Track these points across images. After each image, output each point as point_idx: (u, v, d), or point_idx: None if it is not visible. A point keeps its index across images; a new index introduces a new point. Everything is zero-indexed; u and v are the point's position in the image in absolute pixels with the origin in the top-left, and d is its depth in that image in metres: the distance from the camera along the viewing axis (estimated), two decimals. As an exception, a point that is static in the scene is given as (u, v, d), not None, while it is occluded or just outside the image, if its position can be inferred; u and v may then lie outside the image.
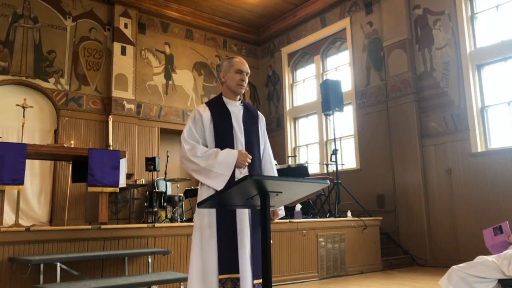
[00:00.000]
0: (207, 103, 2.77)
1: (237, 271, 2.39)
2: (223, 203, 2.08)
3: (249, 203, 2.06)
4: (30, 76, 7.61)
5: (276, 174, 2.81)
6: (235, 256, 2.41)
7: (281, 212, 2.74)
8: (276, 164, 7.22)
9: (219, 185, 2.49)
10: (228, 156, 2.53)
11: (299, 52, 9.98)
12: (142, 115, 8.71)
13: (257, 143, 2.73)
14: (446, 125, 6.97)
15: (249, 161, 2.56)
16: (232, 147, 2.60)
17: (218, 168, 2.50)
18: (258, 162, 2.71)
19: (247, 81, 2.79)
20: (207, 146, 2.63)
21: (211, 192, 2.50)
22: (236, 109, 2.73)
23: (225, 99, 2.76)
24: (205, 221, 2.49)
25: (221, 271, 2.40)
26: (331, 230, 6.02)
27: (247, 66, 2.79)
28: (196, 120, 2.67)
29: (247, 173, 2.57)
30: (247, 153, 2.58)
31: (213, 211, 2.48)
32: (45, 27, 7.90)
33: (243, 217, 2.48)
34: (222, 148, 2.59)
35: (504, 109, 6.51)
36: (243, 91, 2.78)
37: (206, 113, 2.67)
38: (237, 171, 2.55)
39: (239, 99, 2.81)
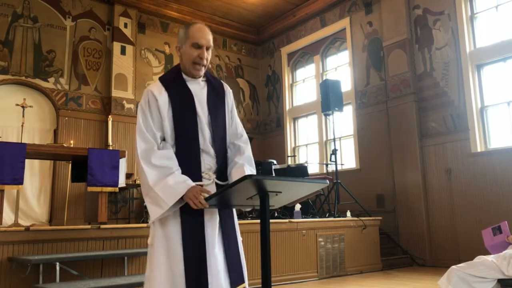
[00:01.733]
0: (162, 81, 2.17)
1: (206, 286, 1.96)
2: (223, 203, 2.08)
3: (248, 203, 2.06)
4: (30, 76, 7.61)
5: (249, 166, 2.19)
6: (203, 267, 1.99)
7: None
8: (275, 164, 7.30)
9: (153, 214, 2.00)
10: (176, 188, 1.97)
11: (298, 52, 9.98)
12: (141, 115, 8.69)
13: (224, 128, 2.21)
14: (446, 125, 6.97)
15: (203, 203, 1.94)
16: (196, 141, 2.09)
17: (160, 192, 1.97)
18: (226, 151, 2.23)
19: (209, 58, 2.16)
20: (164, 139, 2.11)
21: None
22: (198, 88, 2.17)
23: (184, 76, 2.17)
24: (172, 229, 2.03)
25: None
26: (330, 230, 6.02)
27: (208, 37, 2.12)
28: (151, 106, 2.09)
29: (215, 168, 2.14)
30: (204, 189, 1.99)
31: (177, 216, 2.03)
32: (45, 26, 7.90)
33: (213, 218, 2.08)
34: (184, 145, 2.09)
35: (503, 109, 6.51)
36: (201, 73, 2.16)
37: (162, 97, 2.10)
38: (203, 165, 2.10)
39: (201, 76, 2.22)
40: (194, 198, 1.94)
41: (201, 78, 2.23)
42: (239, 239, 2.23)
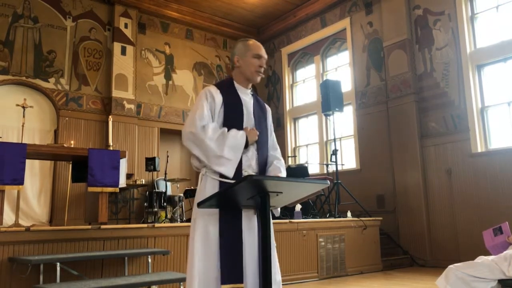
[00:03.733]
0: (218, 86, 2.47)
1: (241, 281, 2.12)
2: (223, 203, 2.08)
3: (249, 203, 2.06)
4: (30, 76, 7.61)
5: (283, 170, 2.49)
6: (240, 263, 2.14)
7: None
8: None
9: (230, 171, 2.24)
10: (238, 139, 2.27)
11: (299, 52, 9.98)
12: (142, 115, 8.70)
13: (266, 135, 2.49)
14: (446, 126, 6.97)
15: (258, 135, 2.36)
16: None
17: (228, 153, 2.23)
18: (266, 155, 2.48)
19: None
20: None
21: (216, 184, 2.26)
22: (247, 98, 2.47)
23: (236, 85, 2.48)
24: (210, 220, 2.21)
25: (223, 280, 2.11)
26: (331, 230, 6.02)
27: (264, 50, 2.52)
28: (208, 99, 2.38)
29: (256, 168, 2.36)
30: (253, 128, 2.37)
31: (217, 209, 2.23)
32: (45, 27, 7.90)
33: (251, 217, 2.24)
34: None
35: (504, 110, 6.50)
36: (259, 79, 2.51)
37: (218, 97, 2.38)
38: (244, 163, 2.31)
39: (250, 88, 2.54)
40: (254, 137, 2.34)
41: (250, 91, 2.53)
42: (273, 245, 2.32)
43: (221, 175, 2.25)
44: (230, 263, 2.13)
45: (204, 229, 2.21)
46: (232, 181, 2.20)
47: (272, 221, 2.34)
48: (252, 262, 2.17)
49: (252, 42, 2.49)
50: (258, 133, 2.37)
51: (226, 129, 2.31)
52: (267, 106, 2.65)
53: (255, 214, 2.25)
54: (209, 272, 2.14)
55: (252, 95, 2.53)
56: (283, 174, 2.45)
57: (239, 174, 2.26)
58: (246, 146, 2.31)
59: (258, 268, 2.15)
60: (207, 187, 2.27)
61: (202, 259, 2.17)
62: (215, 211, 2.19)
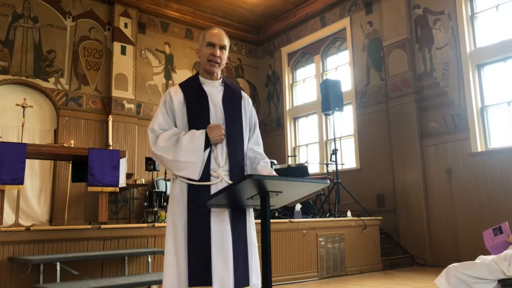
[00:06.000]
0: (181, 84, 2.35)
1: (209, 282, 2.04)
2: (222, 203, 2.08)
3: (248, 203, 2.06)
4: (30, 76, 7.61)
5: (268, 163, 2.38)
6: (208, 264, 2.05)
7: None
8: (275, 164, 7.29)
9: (193, 174, 2.13)
10: (193, 141, 2.14)
11: (299, 52, 9.98)
12: (142, 115, 8.70)
13: (239, 128, 2.30)
14: (446, 125, 6.97)
15: (223, 131, 2.19)
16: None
17: (185, 156, 2.12)
18: (242, 150, 2.30)
19: (224, 57, 2.32)
20: None
21: (184, 186, 2.17)
22: (214, 90, 2.31)
23: (201, 78, 2.33)
24: (179, 223, 2.16)
25: (191, 282, 2.05)
26: (331, 230, 6.02)
27: (222, 38, 2.30)
28: (166, 104, 2.27)
29: (227, 167, 2.21)
30: (217, 124, 2.19)
31: (185, 212, 2.15)
32: (45, 26, 7.90)
33: (222, 218, 2.13)
34: None
35: (504, 109, 6.50)
36: (216, 69, 2.31)
37: (178, 96, 2.27)
38: (212, 162, 2.19)
39: (220, 78, 2.37)
40: (217, 135, 2.16)
41: (219, 82, 2.36)
42: (254, 244, 2.24)
43: (188, 178, 2.16)
44: (197, 263, 2.06)
45: (173, 229, 2.19)
46: (199, 183, 2.15)
47: (254, 220, 2.32)
48: (222, 261, 2.07)
49: (209, 30, 2.34)
50: (223, 128, 2.20)
51: (183, 132, 2.20)
52: (244, 94, 2.45)
53: (227, 210, 2.16)
54: (181, 272, 2.09)
55: (223, 85, 2.36)
56: (274, 172, 2.35)
57: (207, 175, 2.16)
58: (208, 144, 2.17)
59: (229, 268, 2.07)
60: (176, 190, 2.21)
61: (173, 259, 2.13)
62: (184, 209, 2.14)
